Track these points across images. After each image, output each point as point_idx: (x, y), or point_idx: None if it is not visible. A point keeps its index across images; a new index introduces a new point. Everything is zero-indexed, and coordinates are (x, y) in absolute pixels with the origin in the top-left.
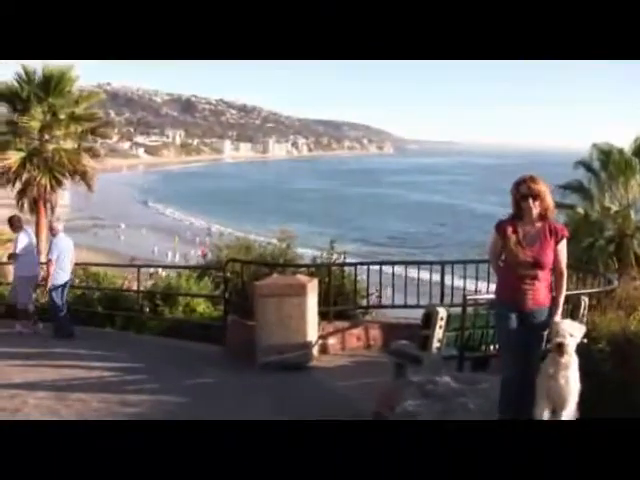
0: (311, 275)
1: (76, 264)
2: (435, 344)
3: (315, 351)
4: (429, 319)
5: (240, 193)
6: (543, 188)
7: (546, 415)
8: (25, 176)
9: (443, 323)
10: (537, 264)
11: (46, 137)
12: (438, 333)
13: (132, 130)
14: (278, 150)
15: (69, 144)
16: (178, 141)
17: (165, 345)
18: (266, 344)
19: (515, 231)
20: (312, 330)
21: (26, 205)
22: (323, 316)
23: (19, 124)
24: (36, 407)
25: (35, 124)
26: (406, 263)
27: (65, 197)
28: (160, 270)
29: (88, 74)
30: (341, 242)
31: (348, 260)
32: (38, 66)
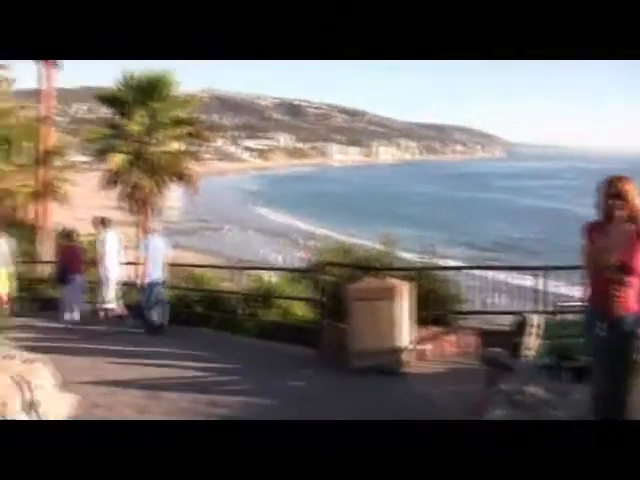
0: (409, 279)
1: (178, 265)
2: (526, 352)
3: (411, 357)
4: (521, 326)
5: (346, 197)
6: (632, 188)
7: None
8: (129, 178)
9: (535, 330)
10: (625, 268)
11: (149, 140)
12: (530, 341)
13: (240, 134)
14: (385, 154)
15: (171, 147)
16: (286, 145)
17: (259, 347)
18: (358, 348)
19: (602, 234)
20: (405, 335)
21: (132, 207)
22: (419, 322)
23: (122, 128)
24: (129, 405)
25: (136, 127)
26: (500, 268)
27: (175, 200)
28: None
29: (195, 79)
30: (448, 246)
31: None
32: (138, 70)
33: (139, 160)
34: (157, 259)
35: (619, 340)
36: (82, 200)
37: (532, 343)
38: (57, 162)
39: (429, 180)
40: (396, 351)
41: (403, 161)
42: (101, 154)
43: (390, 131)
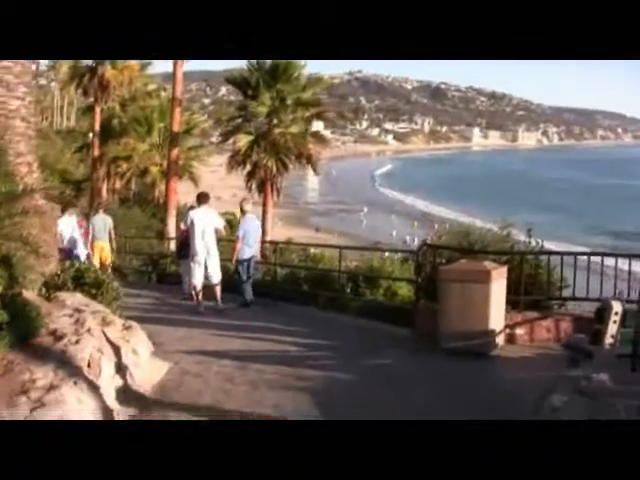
0: (509, 263)
1: (294, 243)
2: (608, 340)
3: (501, 340)
4: (603, 313)
5: (486, 181)
6: None
7: None
8: (253, 159)
9: (618, 318)
10: None
11: (274, 122)
12: (612, 328)
13: (381, 117)
14: (527, 139)
15: (295, 128)
16: (427, 128)
17: (358, 325)
18: (448, 330)
19: None
20: (496, 318)
21: (254, 187)
22: (513, 305)
23: (249, 109)
24: (217, 374)
25: (263, 109)
26: (604, 254)
27: (314, 182)
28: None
29: (339, 62)
30: (589, 234)
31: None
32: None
33: (264, 141)
34: (248, 238)
35: None
36: (219, 180)
37: (614, 330)
38: (190, 142)
39: (572, 166)
40: (486, 333)
41: (546, 146)
42: (229, 135)
43: (534, 115)
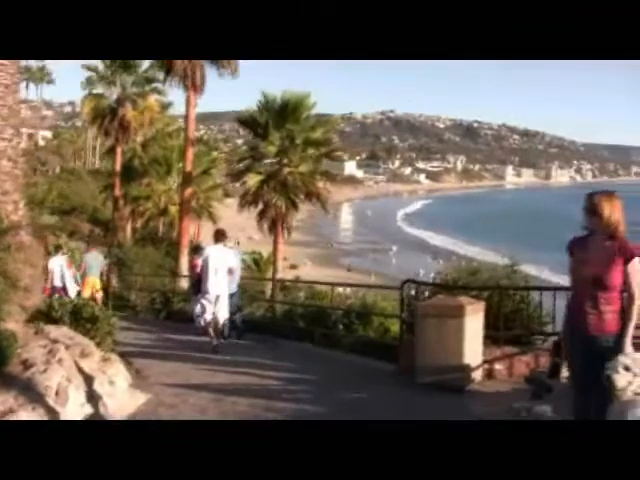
0: (491, 299)
1: (300, 281)
2: (565, 373)
3: (479, 375)
4: (559, 346)
5: (517, 219)
6: (608, 204)
7: None
8: (264, 198)
9: None
10: (598, 284)
11: (283, 161)
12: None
13: (414, 156)
14: (561, 176)
15: (304, 168)
16: (459, 167)
17: (345, 361)
18: (424, 364)
19: (582, 248)
20: (472, 353)
21: (265, 226)
22: (494, 341)
23: (258, 149)
24: (191, 405)
25: (272, 149)
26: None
27: (348, 221)
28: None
29: (368, 102)
30: None
31: None
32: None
33: (273, 180)
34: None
35: (593, 360)
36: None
37: None
38: (210, 182)
39: None
40: (462, 368)
41: (579, 183)
42: (240, 175)
43: (568, 153)
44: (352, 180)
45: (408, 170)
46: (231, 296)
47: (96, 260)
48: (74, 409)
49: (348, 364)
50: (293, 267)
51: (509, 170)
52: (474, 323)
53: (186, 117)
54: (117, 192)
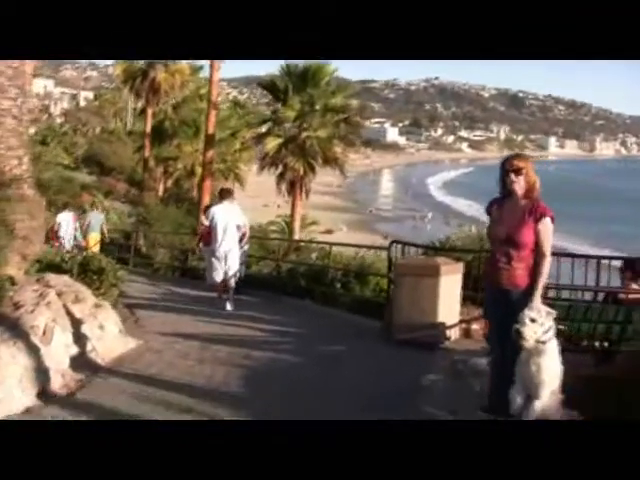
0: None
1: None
2: None
3: (455, 334)
4: None
5: (556, 190)
6: (524, 165)
7: (518, 401)
8: (282, 161)
9: None
10: (511, 242)
11: (303, 126)
12: None
13: (457, 124)
14: (605, 149)
15: (323, 132)
16: (502, 136)
17: (338, 318)
18: (400, 321)
19: (499, 209)
20: (447, 312)
21: (283, 188)
22: (474, 301)
23: (278, 113)
24: (175, 351)
25: (291, 114)
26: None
27: (388, 188)
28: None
29: (414, 69)
30: None
31: None
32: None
33: (292, 144)
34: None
35: (506, 314)
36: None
37: None
38: (238, 145)
39: None
40: (436, 326)
41: (624, 156)
42: (260, 138)
43: (614, 126)
44: (394, 147)
45: (450, 138)
46: (242, 253)
47: (96, 219)
48: (59, 349)
49: (340, 321)
50: (328, 232)
51: (552, 141)
52: (450, 283)
53: (210, 80)
54: (147, 153)
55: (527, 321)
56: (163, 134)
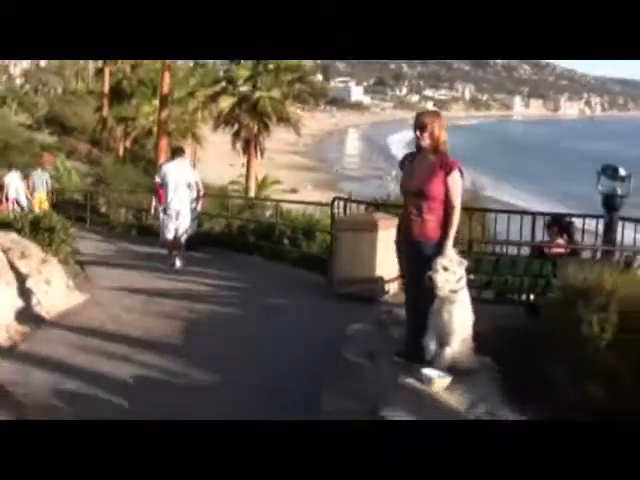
0: None
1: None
2: None
3: (396, 288)
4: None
5: (519, 151)
6: (430, 121)
7: (432, 347)
8: (236, 120)
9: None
10: (421, 194)
11: (257, 85)
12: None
13: (422, 84)
14: (570, 109)
15: (276, 92)
16: (467, 96)
17: (284, 273)
18: (340, 276)
19: (410, 164)
20: (387, 267)
21: (238, 146)
22: None
23: (231, 72)
24: (120, 305)
25: (244, 73)
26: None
27: (354, 147)
28: None
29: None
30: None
31: None
32: None
33: (245, 103)
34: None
35: (419, 264)
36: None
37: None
38: (194, 104)
39: (612, 137)
40: (375, 281)
41: (587, 117)
42: (214, 97)
43: (579, 86)
44: (359, 106)
45: (415, 97)
46: (192, 210)
47: (40, 179)
48: (3, 303)
49: (286, 276)
50: (293, 191)
51: (517, 101)
52: (389, 238)
53: None
54: (105, 113)
55: (440, 269)
56: (121, 94)
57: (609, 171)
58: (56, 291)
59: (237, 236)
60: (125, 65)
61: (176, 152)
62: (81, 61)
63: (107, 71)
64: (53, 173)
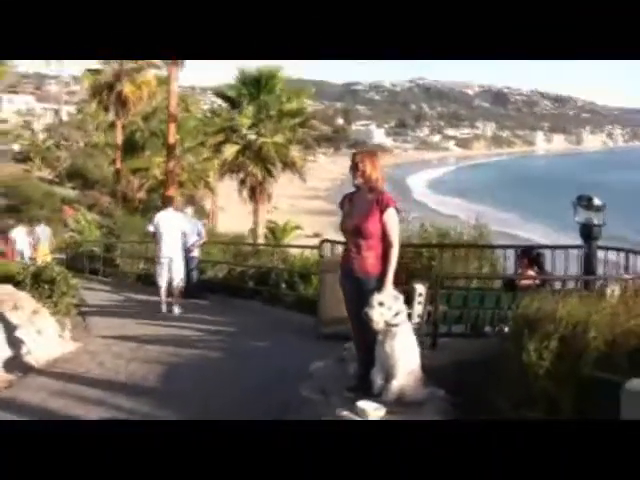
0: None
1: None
2: (415, 319)
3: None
4: (410, 295)
5: (543, 185)
6: (360, 160)
7: (378, 381)
8: (241, 168)
9: (422, 299)
10: (359, 232)
11: (260, 131)
12: (417, 309)
13: (442, 123)
14: (592, 141)
15: (279, 138)
16: (489, 133)
17: (280, 316)
18: (325, 317)
19: (349, 202)
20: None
21: (245, 193)
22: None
23: (234, 121)
24: (110, 353)
25: (246, 121)
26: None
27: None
28: None
29: (398, 70)
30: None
31: None
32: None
33: (249, 150)
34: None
35: (361, 300)
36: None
37: (420, 310)
38: (204, 153)
39: (636, 167)
40: None
41: (611, 148)
42: (219, 146)
43: (601, 118)
44: (380, 148)
45: (437, 137)
46: (192, 259)
47: (44, 233)
48: None
49: (281, 319)
50: (316, 235)
51: (540, 136)
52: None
53: (168, 91)
54: (118, 165)
55: (375, 304)
56: (134, 145)
57: (584, 201)
58: (47, 340)
59: (238, 282)
60: (137, 117)
61: (167, 201)
62: (101, 115)
63: (119, 124)
64: (74, 226)
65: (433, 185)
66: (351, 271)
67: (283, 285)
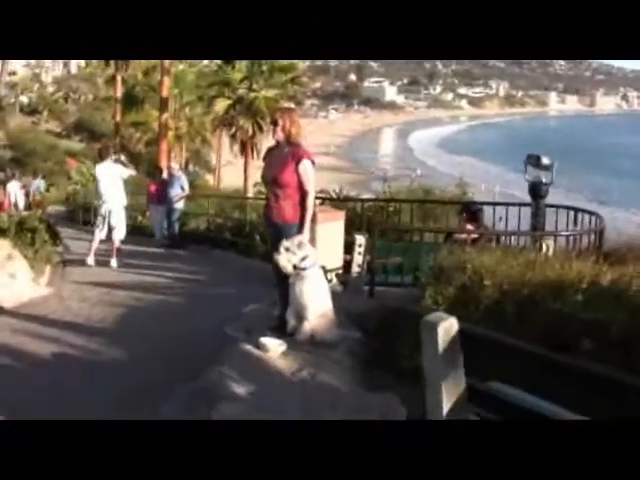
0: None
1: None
2: (355, 269)
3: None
4: (350, 246)
5: (557, 146)
6: (280, 117)
7: (292, 322)
8: (232, 122)
9: (361, 249)
10: (276, 182)
11: (252, 86)
12: (357, 259)
13: (456, 82)
14: (606, 103)
15: (270, 93)
16: (502, 93)
17: (251, 267)
18: None
19: (269, 155)
20: (329, 256)
21: (235, 147)
22: None
23: (226, 75)
24: (78, 298)
25: (238, 75)
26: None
27: (388, 147)
28: None
29: None
30: None
31: None
32: None
33: (240, 105)
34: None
35: (276, 244)
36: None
37: (361, 261)
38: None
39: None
40: None
41: (625, 111)
42: (211, 100)
43: (615, 79)
44: (393, 106)
45: (450, 96)
46: (172, 210)
47: (39, 185)
48: None
49: (251, 269)
50: (322, 191)
51: (553, 97)
52: (329, 230)
53: None
54: (118, 118)
55: (282, 250)
56: (134, 99)
57: (533, 160)
58: (20, 285)
59: (215, 233)
60: (136, 72)
61: (102, 152)
62: (111, 68)
63: (119, 78)
64: (78, 178)
65: (443, 144)
66: (271, 218)
67: (257, 237)
